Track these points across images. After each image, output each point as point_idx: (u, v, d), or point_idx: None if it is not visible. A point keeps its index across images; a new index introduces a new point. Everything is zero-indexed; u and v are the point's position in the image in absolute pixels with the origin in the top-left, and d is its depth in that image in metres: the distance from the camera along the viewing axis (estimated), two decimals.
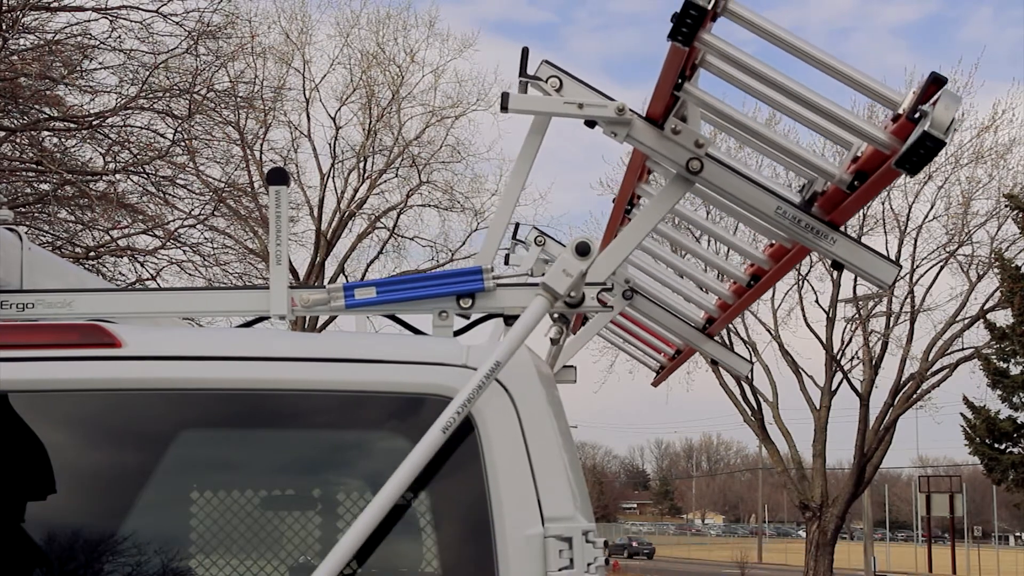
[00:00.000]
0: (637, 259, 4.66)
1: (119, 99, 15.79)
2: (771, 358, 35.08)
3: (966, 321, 29.86)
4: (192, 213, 17.95)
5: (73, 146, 16.22)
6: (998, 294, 29.91)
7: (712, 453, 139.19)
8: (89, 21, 15.32)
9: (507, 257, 4.77)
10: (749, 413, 31.26)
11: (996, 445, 36.80)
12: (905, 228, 29.56)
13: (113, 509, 2.66)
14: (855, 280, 27.62)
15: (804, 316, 30.88)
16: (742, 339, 30.80)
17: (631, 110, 3.00)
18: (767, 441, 31.60)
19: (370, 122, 28.85)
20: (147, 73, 15.79)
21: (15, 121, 14.72)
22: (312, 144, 29.47)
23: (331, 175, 29.26)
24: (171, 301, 3.22)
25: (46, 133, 15.48)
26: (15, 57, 14.26)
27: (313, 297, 3.06)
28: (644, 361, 5.69)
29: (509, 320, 3.01)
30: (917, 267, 29.74)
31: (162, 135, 16.57)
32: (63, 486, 2.67)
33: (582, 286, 2.85)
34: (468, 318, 3.08)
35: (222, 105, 18.01)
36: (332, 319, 19.11)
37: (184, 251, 17.78)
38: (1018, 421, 35.82)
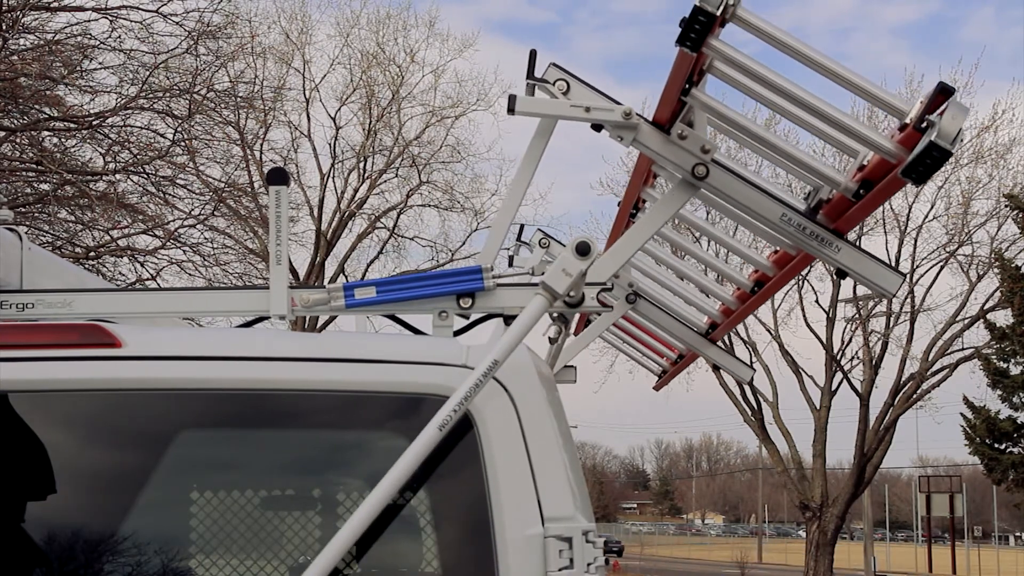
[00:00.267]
0: (641, 263, 4.66)
1: (119, 99, 15.81)
2: (771, 358, 35.20)
3: (966, 321, 29.87)
4: (192, 213, 17.96)
5: (73, 146, 16.23)
6: (998, 294, 29.90)
7: (712, 453, 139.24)
8: (89, 21, 15.34)
9: (511, 259, 4.77)
10: (749, 413, 31.26)
11: (996, 445, 36.78)
12: (905, 228, 29.57)
13: (113, 509, 2.66)
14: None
15: (804, 316, 30.92)
16: (742, 339, 30.80)
17: (638, 114, 2.99)
18: (767, 441, 31.59)
19: (370, 122, 28.85)
20: (147, 73, 15.79)
21: (15, 121, 14.72)
22: (312, 144, 29.52)
23: (331, 175, 29.29)
24: (171, 301, 3.22)
25: (46, 133, 15.48)
26: (15, 57, 14.26)
27: (313, 297, 3.06)
28: (646, 365, 5.70)
29: (509, 320, 3.01)
30: (917, 267, 29.74)
31: (162, 135, 16.58)
32: (63, 486, 2.67)
33: (582, 286, 2.85)
34: (468, 318, 3.08)
35: (222, 105, 18.01)
36: (332, 319, 19.10)
37: (184, 251, 17.80)
38: (1018, 421, 35.80)
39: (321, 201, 29.06)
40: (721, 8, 2.61)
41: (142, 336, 2.74)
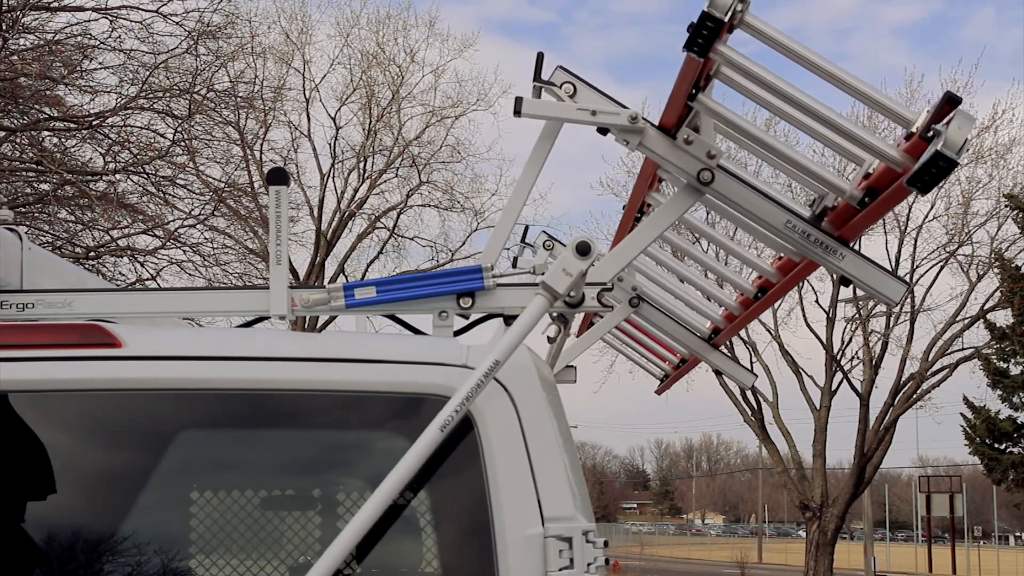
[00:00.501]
0: (645, 267, 4.66)
1: (119, 99, 15.81)
2: (771, 358, 35.20)
3: (966, 321, 29.86)
4: (192, 213, 17.97)
5: (73, 146, 16.24)
6: (998, 294, 29.90)
7: (712, 453, 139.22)
8: (89, 21, 15.34)
9: (515, 260, 4.76)
10: (749, 413, 31.27)
11: (996, 445, 36.78)
12: (905, 228, 29.56)
13: (113, 509, 2.66)
14: None
15: (804, 316, 30.91)
16: (742, 339, 30.78)
17: (644, 119, 2.99)
18: (767, 441, 31.60)
19: (370, 122, 28.85)
20: (147, 73, 15.79)
21: (15, 121, 14.72)
22: (312, 144, 29.51)
23: (331, 175, 29.29)
24: (171, 301, 3.22)
25: (46, 133, 15.48)
26: (15, 57, 14.26)
27: (313, 297, 3.06)
28: (648, 369, 5.70)
29: (509, 320, 3.01)
30: (917, 267, 29.75)
31: (162, 135, 16.58)
32: (63, 486, 2.67)
33: (582, 286, 2.85)
34: (468, 318, 3.08)
35: (222, 105, 18.01)
36: (332, 319, 19.10)
37: (184, 251, 17.80)
38: (1018, 421, 35.80)
39: (321, 201, 29.09)
40: (729, 14, 2.60)
41: (142, 336, 2.74)
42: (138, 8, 15.37)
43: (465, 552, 2.69)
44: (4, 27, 14.08)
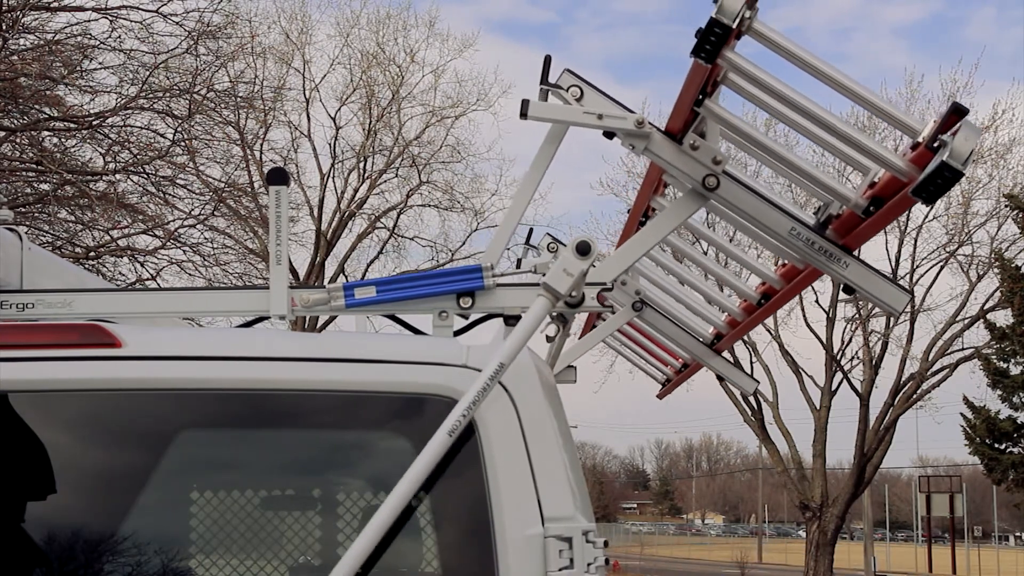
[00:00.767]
0: (649, 272, 4.67)
1: (119, 99, 15.81)
2: (771, 358, 35.13)
3: (966, 321, 29.87)
4: (192, 213, 17.96)
5: (73, 146, 16.23)
6: (998, 294, 29.90)
7: (712, 453, 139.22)
8: (89, 21, 15.34)
9: (519, 261, 4.76)
10: (749, 413, 31.27)
11: (996, 445, 36.76)
12: (905, 228, 29.55)
13: (113, 509, 2.66)
14: None
15: (804, 316, 30.90)
16: (743, 340, 30.79)
17: (650, 124, 2.98)
18: (767, 441, 31.60)
19: (370, 122, 28.85)
20: (147, 73, 15.79)
21: (15, 121, 14.72)
22: (312, 144, 29.50)
23: (331, 175, 29.28)
24: (171, 301, 3.22)
25: (46, 133, 15.48)
26: (15, 57, 14.25)
27: (313, 297, 3.06)
28: (650, 373, 5.71)
29: (509, 320, 3.01)
30: (917, 267, 29.76)
31: (162, 135, 16.58)
32: (63, 486, 2.67)
33: (583, 286, 2.84)
34: (468, 318, 3.08)
35: (222, 105, 18.01)
36: (332, 319, 19.10)
37: (184, 251, 17.80)
38: (1018, 421, 35.79)
39: (321, 201, 29.08)
40: (737, 20, 2.60)
41: (142, 336, 2.74)
42: (138, 8, 15.38)
43: (465, 552, 2.69)
44: (4, 27, 14.08)
